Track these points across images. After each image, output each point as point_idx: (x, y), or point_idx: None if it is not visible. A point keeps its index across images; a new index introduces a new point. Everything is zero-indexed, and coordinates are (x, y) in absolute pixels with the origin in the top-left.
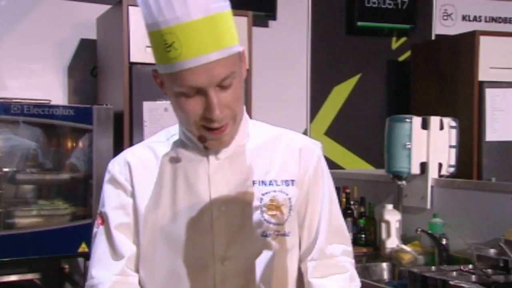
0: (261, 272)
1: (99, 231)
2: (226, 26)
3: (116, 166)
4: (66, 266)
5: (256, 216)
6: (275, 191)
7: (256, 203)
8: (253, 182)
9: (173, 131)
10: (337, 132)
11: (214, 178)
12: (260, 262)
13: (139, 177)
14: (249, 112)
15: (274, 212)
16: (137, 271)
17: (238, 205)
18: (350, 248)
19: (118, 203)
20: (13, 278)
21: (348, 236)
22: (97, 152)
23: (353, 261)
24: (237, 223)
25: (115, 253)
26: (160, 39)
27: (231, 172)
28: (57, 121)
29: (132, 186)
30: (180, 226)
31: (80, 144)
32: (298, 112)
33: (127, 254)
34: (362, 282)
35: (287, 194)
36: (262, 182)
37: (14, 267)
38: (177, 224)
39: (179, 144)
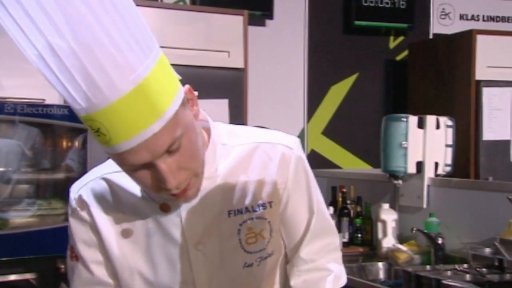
0: None
1: (76, 266)
2: (157, 88)
3: (75, 201)
4: (62, 266)
5: (236, 248)
6: (252, 218)
7: (233, 235)
8: (229, 213)
9: None
10: (335, 131)
11: (186, 218)
12: None
13: (100, 215)
14: (245, 113)
15: (253, 240)
16: None
17: (216, 242)
18: (333, 242)
19: (88, 239)
20: (9, 278)
21: (333, 230)
22: (92, 152)
23: (338, 255)
24: (217, 261)
25: None
26: (86, 123)
27: (203, 208)
28: (52, 121)
29: (95, 223)
30: (159, 272)
31: (75, 143)
32: (295, 112)
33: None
34: (358, 282)
35: (265, 219)
36: (238, 211)
37: (9, 267)
38: (156, 267)
39: None
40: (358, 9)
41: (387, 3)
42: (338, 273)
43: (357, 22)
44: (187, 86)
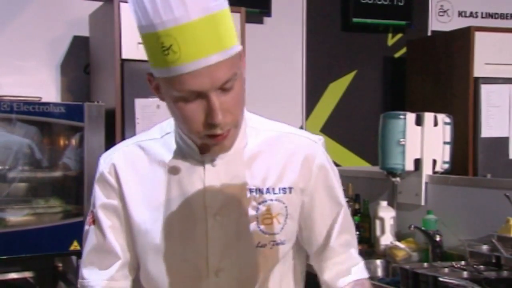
0: (256, 283)
1: (90, 230)
2: (225, 26)
3: (105, 165)
4: (60, 265)
5: (252, 226)
6: (272, 199)
7: (252, 213)
8: (250, 190)
9: (168, 129)
10: (333, 129)
11: (209, 186)
12: (255, 273)
13: (128, 180)
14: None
15: (269, 222)
16: (127, 276)
17: (234, 215)
18: (355, 236)
19: (109, 204)
20: (7, 277)
21: (354, 231)
22: (89, 150)
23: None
24: (232, 234)
25: (106, 257)
26: (156, 42)
27: (227, 180)
28: (48, 119)
29: (121, 189)
30: (174, 236)
31: (72, 141)
32: (293, 109)
33: (118, 259)
34: None
35: (283, 203)
36: (259, 190)
37: (7, 266)
38: (171, 233)
39: (173, 145)
40: (356, 6)
41: (385, 0)
42: (363, 264)
43: (355, 19)
44: (241, 46)
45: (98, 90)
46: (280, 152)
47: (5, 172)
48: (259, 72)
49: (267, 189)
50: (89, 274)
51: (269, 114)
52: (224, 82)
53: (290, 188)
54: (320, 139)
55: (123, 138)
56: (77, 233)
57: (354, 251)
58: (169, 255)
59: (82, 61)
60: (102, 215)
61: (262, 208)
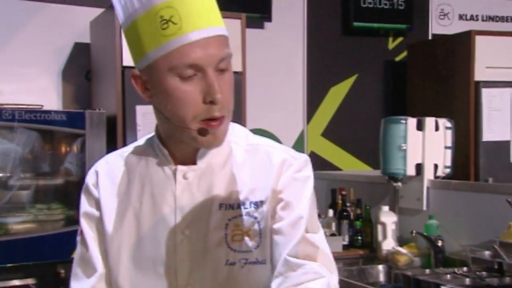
0: None
1: (78, 241)
2: (216, 5)
3: (91, 175)
4: (62, 271)
5: (220, 243)
6: (241, 215)
7: (220, 228)
8: (220, 205)
9: (150, 139)
10: (334, 133)
11: (181, 199)
12: None
13: (106, 190)
14: (243, 115)
15: (239, 238)
16: None
17: (202, 230)
18: (325, 257)
19: (90, 214)
20: (9, 284)
21: (323, 248)
22: (90, 157)
23: (332, 268)
24: (200, 249)
25: (88, 270)
26: (153, 18)
27: (198, 193)
28: (50, 126)
29: (99, 198)
30: (144, 249)
31: (73, 148)
32: (294, 114)
33: (98, 271)
34: (358, 286)
35: (255, 218)
36: (230, 205)
37: (9, 273)
38: (141, 247)
39: (151, 154)
40: (356, 10)
41: (385, 4)
42: (331, 281)
43: (355, 24)
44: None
45: (99, 96)
46: (255, 165)
47: (6, 179)
48: (260, 77)
49: (238, 204)
50: (73, 285)
51: (271, 118)
52: (221, 59)
53: (262, 202)
54: (302, 156)
55: (124, 144)
56: None
57: (316, 265)
58: (140, 269)
59: (83, 67)
60: (85, 225)
61: (231, 224)
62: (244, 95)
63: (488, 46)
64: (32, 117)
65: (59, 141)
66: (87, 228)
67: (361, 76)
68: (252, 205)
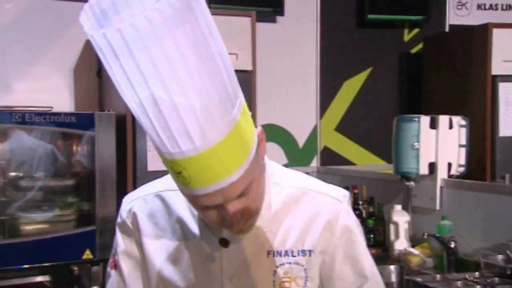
0: None
1: (112, 274)
2: (241, 137)
3: (126, 212)
4: (75, 268)
5: None
6: (290, 263)
7: (269, 276)
8: (268, 253)
9: None
10: (348, 127)
11: (228, 249)
12: None
13: (148, 231)
14: (253, 111)
15: (288, 285)
16: None
17: (251, 278)
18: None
19: (130, 253)
20: (24, 281)
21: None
22: (100, 158)
23: None
24: None
25: None
26: (167, 164)
27: (246, 240)
28: (60, 128)
29: (141, 239)
30: None
31: (83, 149)
32: (307, 108)
33: None
34: None
35: (303, 266)
36: (278, 252)
37: (23, 272)
38: None
39: None
40: (371, 2)
41: None
42: None
43: (370, 16)
44: (259, 128)
45: (110, 94)
46: (303, 213)
47: (18, 180)
48: (273, 71)
49: (286, 251)
50: None
51: (283, 113)
52: (238, 195)
53: (310, 251)
54: (345, 196)
55: (134, 145)
56: (89, 242)
57: None
58: None
59: (94, 65)
60: (123, 263)
61: (280, 271)
62: (254, 95)
63: (506, 39)
64: (42, 119)
65: (69, 142)
66: (125, 267)
67: (375, 69)
68: (301, 253)
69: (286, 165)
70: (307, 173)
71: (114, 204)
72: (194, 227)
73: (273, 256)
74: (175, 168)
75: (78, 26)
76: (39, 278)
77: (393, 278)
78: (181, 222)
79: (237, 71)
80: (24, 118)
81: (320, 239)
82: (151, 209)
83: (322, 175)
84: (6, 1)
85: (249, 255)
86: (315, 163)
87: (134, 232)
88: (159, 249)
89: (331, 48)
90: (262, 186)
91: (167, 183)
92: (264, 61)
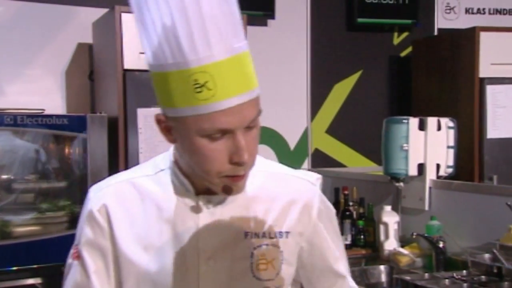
0: None
1: (73, 265)
2: (251, 66)
3: (95, 202)
4: None
5: (246, 272)
6: (267, 244)
7: (246, 257)
8: (245, 234)
9: (162, 165)
10: (339, 130)
11: (204, 229)
12: None
13: (119, 219)
14: None
15: (264, 267)
16: None
17: (227, 260)
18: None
19: (95, 244)
20: (15, 283)
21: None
22: (92, 160)
23: None
24: (224, 279)
25: None
26: (186, 79)
27: (223, 222)
28: (51, 131)
29: (112, 230)
30: (166, 279)
31: (75, 151)
32: (298, 111)
33: None
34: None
35: (279, 248)
36: (255, 234)
37: (14, 274)
38: (163, 277)
39: (168, 183)
40: (360, 6)
41: None
42: None
43: (360, 19)
44: None
45: (102, 97)
46: (279, 195)
47: (10, 181)
48: (264, 75)
49: (264, 233)
50: None
51: (275, 116)
52: (251, 121)
53: (287, 233)
54: (318, 178)
55: (126, 147)
56: None
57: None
58: None
59: (86, 67)
60: (87, 255)
61: (257, 254)
62: None
63: (493, 43)
64: (34, 121)
65: (61, 145)
66: (88, 259)
67: (365, 73)
68: (277, 234)
69: None
70: None
71: None
72: (169, 208)
73: (251, 237)
74: (200, 79)
75: (70, 29)
76: (31, 281)
77: (383, 278)
78: (154, 205)
79: None
80: (16, 121)
81: (297, 222)
82: (122, 195)
83: None
84: None
85: (226, 236)
86: (306, 165)
87: (104, 224)
88: (131, 237)
89: (322, 51)
90: (258, 138)
91: (137, 171)
92: (255, 64)
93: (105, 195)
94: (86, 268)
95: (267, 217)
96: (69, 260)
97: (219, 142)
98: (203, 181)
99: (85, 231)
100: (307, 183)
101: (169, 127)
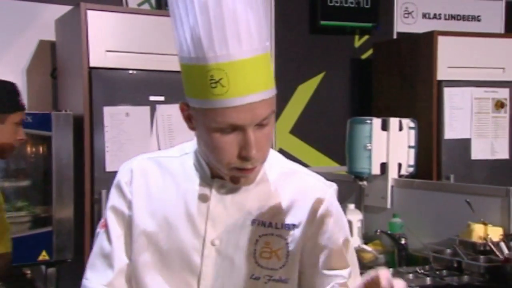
0: None
1: (100, 233)
2: (269, 67)
3: (123, 174)
4: (28, 272)
5: (249, 257)
6: (273, 234)
7: (251, 243)
8: (253, 222)
9: (187, 149)
10: (302, 130)
11: (213, 211)
12: None
13: (139, 191)
14: None
15: (268, 256)
16: (124, 285)
17: (232, 242)
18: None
19: (119, 210)
20: None
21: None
22: (57, 158)
23: None
24: (227, 261)
25: (109, 263)
26: (204, 74)
27: (232, 207)
28: None
29: (131, 198)
30: (172, 254)
31: (40, 150)
32: None
33: (119, 266)
34: None
35: (285, 239)
36: (262, 222)
37: None
38: (170, 251)
39: (189, 165)
40: (323, 9)
41: (351, 2)
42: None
43: (323, 22)
44: None
45: (66, 95)
46: (291, 189)
47: None
48: None
49: (270, 223)
50: (91, 275)
51: None
52: (263, 119)
53: (294, 225)
54: (332, 185)
55: (91, 145)
56: (46, 243)
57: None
58: (165, 272)
59: (48, 65)
60: (111, 222)
61: (261, 241)
62: None
63: (450, 47)
64: None
65: (25, 144)
66: (113, 223)
67: (328, 74)
68: (285, 226)
69: None
70: None
71: (71, 204)
72: (186, 188)
73: (257, 225)
74: (215, 76)
75: (32, 27)
76: None
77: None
78: (174, 184)
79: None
80: None
81: (305, 216)
82: (145, 170)
83: None
84: None
85: (234, 220)
86: None
87: (128, 194)
88: (148, 210)
89: (285, 53)
90: (272, 136)
91: (165, 152)
92: None
93: (132, 166)
94: (110, 233)
95: (277, 209)
96: (98, 229)
97: (230, 136)
98: (215, 168)
99: (112, 199)
100: (321, 184)
101: (190, 115)
